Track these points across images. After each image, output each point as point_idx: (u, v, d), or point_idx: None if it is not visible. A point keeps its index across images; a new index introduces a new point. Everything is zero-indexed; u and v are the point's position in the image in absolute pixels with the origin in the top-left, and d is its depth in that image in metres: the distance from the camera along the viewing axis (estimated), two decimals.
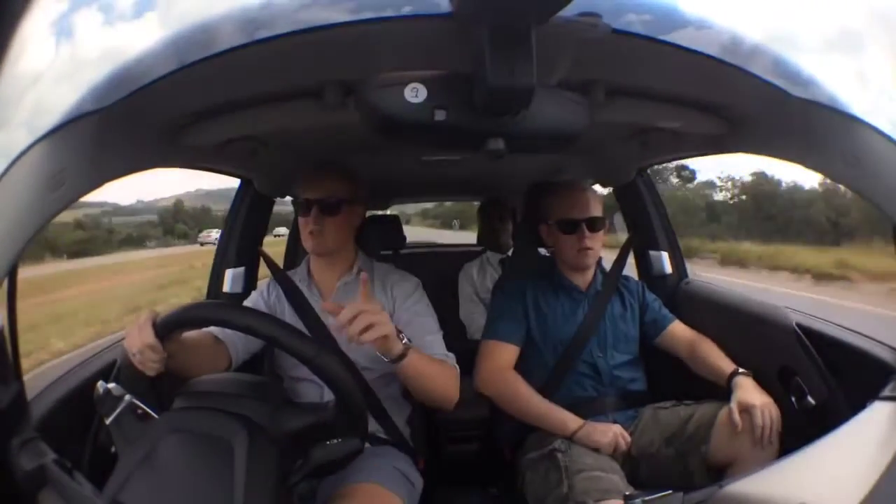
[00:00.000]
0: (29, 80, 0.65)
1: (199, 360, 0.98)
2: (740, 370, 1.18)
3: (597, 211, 1.34)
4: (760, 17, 0.76)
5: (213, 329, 1.08)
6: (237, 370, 1.11)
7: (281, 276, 1.23)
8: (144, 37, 0.69)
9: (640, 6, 0.73)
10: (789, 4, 0.79)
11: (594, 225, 1.33)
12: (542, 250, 1.65)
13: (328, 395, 1.05)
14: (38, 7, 0.57)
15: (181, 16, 0.70)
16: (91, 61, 0.70)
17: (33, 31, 0.57)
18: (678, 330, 1.39)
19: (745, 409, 1.09)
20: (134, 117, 0.79)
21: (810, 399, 1.11)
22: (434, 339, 1.12)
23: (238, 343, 1.10)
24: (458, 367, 1.11)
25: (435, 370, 1.04)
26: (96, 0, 0.72)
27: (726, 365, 1.22)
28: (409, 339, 0.97)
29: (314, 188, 1.15)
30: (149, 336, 0.81)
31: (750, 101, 0.90)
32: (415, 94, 0.64)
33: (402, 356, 0.95)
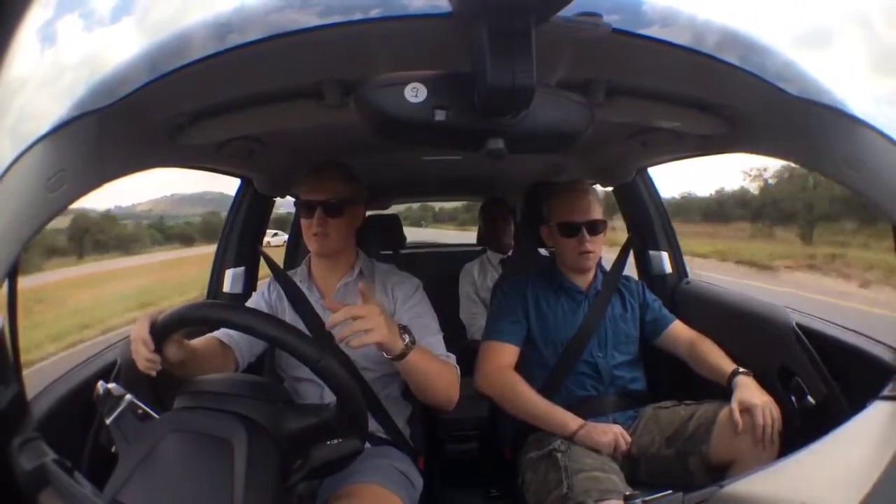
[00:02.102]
0: (15, 87, 0.65)
1: (207, 366, 0.98)
2: (740, 370, 1.18)
3: (597, 214, 1.34)
4: (730, 13, 0.75)
5: (217, 333, 1.08)
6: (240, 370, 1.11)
7: (281, 277, 1.23)
8: (124, 42, 0.69)
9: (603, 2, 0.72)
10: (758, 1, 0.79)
11: (595, 228, 1.33)
12: (543, 250, 1.65)
13: (328, 395, 1.04)
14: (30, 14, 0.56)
15: (157, 22, 0.71)
16: (73, 66, 0.70)
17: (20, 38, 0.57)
18: (678, 330, 1.39)
19: (746, 409, 1.08)
20: (133, 117, 0.79)
21: (810, 399, 1.11)
22: (435, 341, 1.12)
23: (244, 346, 1.10)
24: (458, 367, 1.11)
25: (437, 369, 1.04)
26: (78, 7, 0.72)
27: (726, 365, 1.22)
28: (412, 338, 0.96)
29: (317, 190, 1.14)
30: (142, 330, 0.82)
31: (750, 101, 0.90)
32: (415, 93, 0.64)
33: (403, 354, 0.94)
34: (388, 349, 0.93)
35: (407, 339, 0.95)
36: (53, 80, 0.71)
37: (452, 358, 1.12)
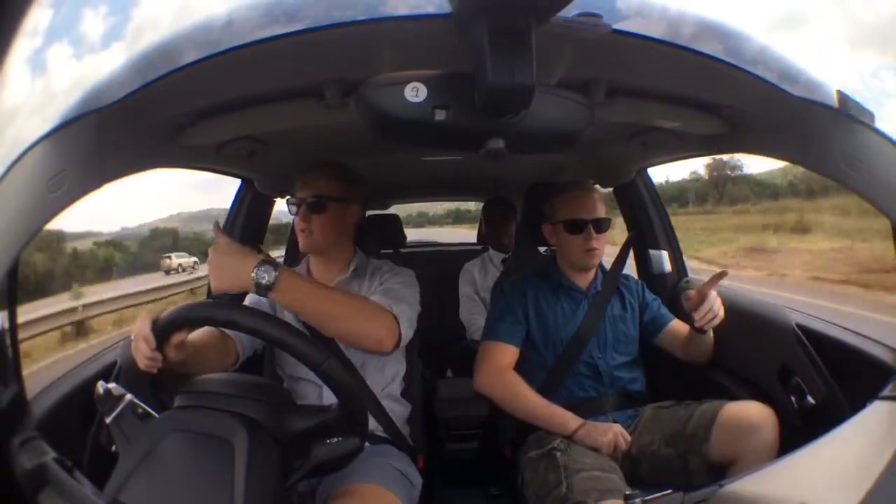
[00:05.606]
0: (7, 117, 0.65)
1: (208, 360, 0.98)
2: None
3: (602, 212, 1.35)
4: (704, 2, 0.75)
5: None
6: (239, 368, 1.11)
7: None
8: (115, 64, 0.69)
9: None
10: None
11: (600, 226, 1.33)
12: (543, 249, 1.65)
13: (327, 395, 1.04)
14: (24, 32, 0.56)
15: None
16: (64, 91, 0.71)
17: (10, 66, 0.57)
18: (677, 327, 1.39)
19: (702, 294, 1.18)
20: (134, 118, 0.79)
21: (810, 399, 1.11)
22: (394, 304, 1.05)
23: (244, 338, 1.10)
24: (398, 315, 1.02)
25: (329, 302, 0.96)
26: (67, 34, 0.72)
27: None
28: (270, 273, 0.88)
29: (303, 188, 1.16)
30: (144, 328, 0.82)
31: (750, 101, 0.90)
32: (415, 93, 0.64)
33: (263, 288, 0.88)
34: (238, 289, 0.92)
35: (256, 275, 0.88)
36: (44, 106, 0.71)
37: (402, 313, 1.03)
